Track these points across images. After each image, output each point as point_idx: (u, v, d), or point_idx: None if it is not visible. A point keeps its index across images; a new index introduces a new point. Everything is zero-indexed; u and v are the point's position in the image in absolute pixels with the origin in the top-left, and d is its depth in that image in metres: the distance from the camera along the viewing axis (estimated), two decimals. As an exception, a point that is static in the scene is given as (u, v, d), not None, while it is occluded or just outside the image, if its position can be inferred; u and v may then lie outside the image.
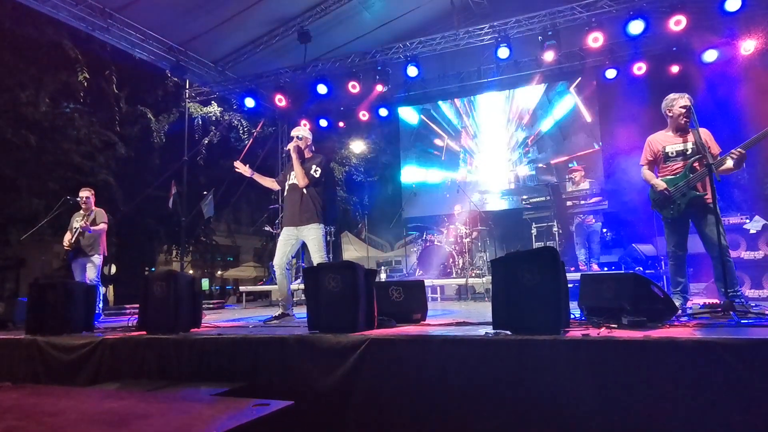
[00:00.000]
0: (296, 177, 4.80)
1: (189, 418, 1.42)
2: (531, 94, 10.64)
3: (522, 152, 10.75)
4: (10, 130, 11.06)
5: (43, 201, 11.56)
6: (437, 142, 11.47)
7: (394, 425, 2.87)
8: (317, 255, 4.70)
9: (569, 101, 10.37)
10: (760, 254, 5.75)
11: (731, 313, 3.19)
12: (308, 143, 4.95)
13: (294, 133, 4.95)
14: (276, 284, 5.05)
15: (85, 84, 11.60)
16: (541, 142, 10.61)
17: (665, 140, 4.30)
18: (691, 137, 4.11)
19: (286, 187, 4.98)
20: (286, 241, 4.83)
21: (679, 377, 2.36)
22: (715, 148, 4.11)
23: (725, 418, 2.26)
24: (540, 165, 10.51)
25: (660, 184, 4.21)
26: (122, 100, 12.84)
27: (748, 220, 5.96)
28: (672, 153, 4.23)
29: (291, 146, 4.83)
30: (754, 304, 3.84)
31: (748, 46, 7.70)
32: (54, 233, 11.58)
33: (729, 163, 3.91)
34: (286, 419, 1.50)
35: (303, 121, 10.59)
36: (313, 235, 4.73)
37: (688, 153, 4.16)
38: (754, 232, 5.83)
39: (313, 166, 4.81)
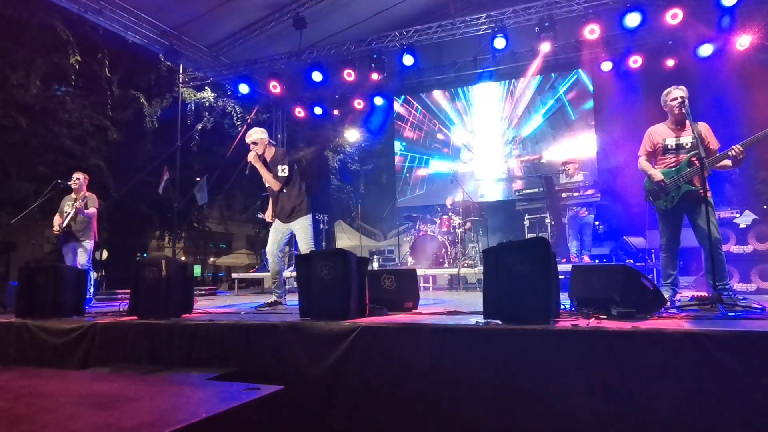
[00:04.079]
0: (268, 183, 4.80)
1: (178, 400, 1.42)
2: (526, 84, 10.63)
3: (512, 148, 10.76)
4: (0, 112, 10.91)
5: (33, 184, 11.45)
6: (431, 132, 11.44)
7: (384, 412, 2.90)
8: (304, 245, 4.77)
9: (565, 94, 10.37)
10: (749, 248, 5.80)
11: (719, 305, 3.22)
12: (265, 143, 4.86)
13: (248, 140, 4.81)
14: (269, 272, 5.06)
15: (77, 67, 11.44)
16: (536, 134, 10.62)
17: (665, 133, 4.31)
18: (690, 131, 4.12)
19: (267, 188, 4.96)
20: (276, 231, 4.90)
21: (666, 367, 2.39)
22: (714, 143, 4.14)
23: (711, 408, 2.30)
24: (532, 159, 10.53)
25: (657, 174, 4.22)
26: (114, 84, 12.67)
27: (738, 215, 6.01)
28: (671, 146, 4.25)
29: (251, 157, 4.73)
30: (741, 297, 3.88)
31: (743, 41, 7.71)
32: (44, 217, 11.47)
33: (727, 161, 3.95)
34: (277, 404, 1.51)
35: (297, 108, 10.51)
36: (300, 226, 4.80)
37: (687, 147, 4.17)
38: (744, 226, 5.87)
39: (279, 167, 4.75)
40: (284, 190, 4.80)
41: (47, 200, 6.86)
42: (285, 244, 4.99)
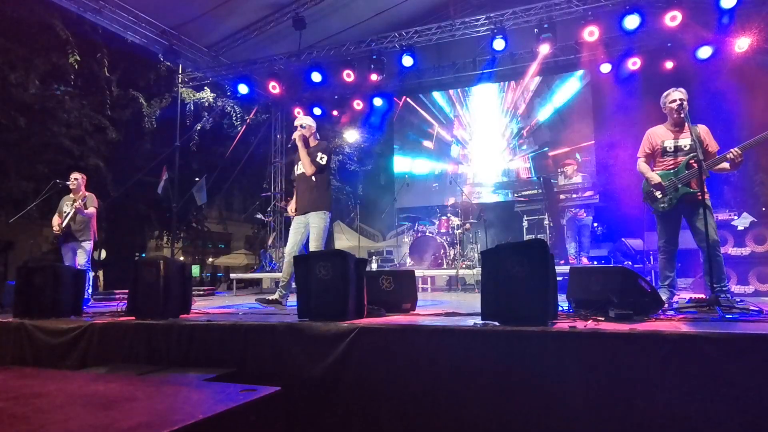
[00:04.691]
0: (303, 165, 4.86)
1: (175, 401, 1.42)
2: (526, 85, 10.65)
3: (517, 143, 10.77)
4: (-1, 111, 10.91)
5: (32, 184, 11.42)
6: (430, 132, 11.46)
7: (382, 413, 2.89)
8: (314, 243, 4.77)
9: (562, 95, 10.39)
10: (746, 250, 5.81)
11: (716, 308, 3.23)
12: (312, 131, 5.02)
13: (297, 122, 4.99)
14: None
15: (76, 66, 11.41)
16: (538, 132, 10.64)
17: (664, 135, 4.32)
18: (689, 133, 4.12)
19: (296, 178, 5.03)
20: (297, 230, 4.90)
21: (663, 369, 2.39)
22: (713, 145, 4.14)
23: (707, 410, 2.30)
24: (536, 154, 10.55)
25: (655, 177, 4.24)
26: (113, 84, 12.63)
27: (736, 217, 6.02)
28: (670, 148, 4.26)
29: (296, 135, 4.88)
30: (739, 300, 3.89)
31: (742, 43, 7.72)
32: (42, 216, 11.48)
33: (725, 164, 3.96)
34: (274, 405, 1.51)
35: (297, 109, 10.53)
36: (316, 223, 4.80)
37: (686, 149, 4.18)
38: (742, 228, 5.88)
39: (319, 153, 4.85)
40: (314, 178, 4.84)
41: (46, 200, 6.87)
42: (304, 245, 5.01)
